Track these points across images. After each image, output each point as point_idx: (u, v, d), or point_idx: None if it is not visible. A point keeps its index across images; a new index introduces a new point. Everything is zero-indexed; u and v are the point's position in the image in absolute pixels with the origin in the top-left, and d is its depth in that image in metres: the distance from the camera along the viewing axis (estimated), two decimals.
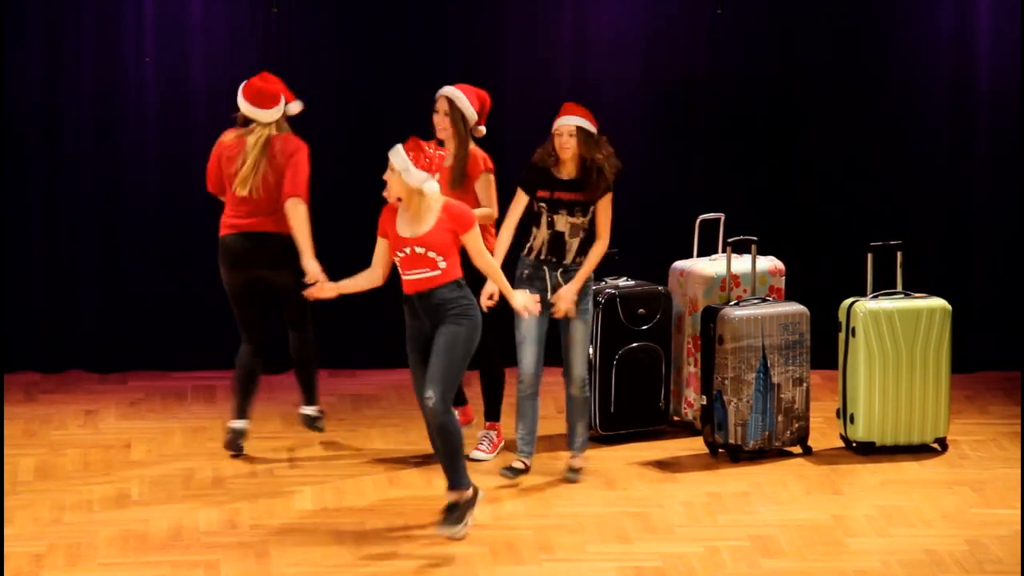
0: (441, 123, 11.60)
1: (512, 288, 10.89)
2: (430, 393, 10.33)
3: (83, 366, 13.91)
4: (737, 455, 11.81)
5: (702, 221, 12.69)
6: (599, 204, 11.36)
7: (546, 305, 11.32)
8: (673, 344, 12.39)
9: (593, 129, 11.36)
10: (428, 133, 12.75)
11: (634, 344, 12.18)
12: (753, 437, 11.82)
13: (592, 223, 11.42)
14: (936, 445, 12.07)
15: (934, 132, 14.05)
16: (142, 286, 13.72)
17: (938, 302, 11.98)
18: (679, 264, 12.55)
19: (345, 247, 12.72)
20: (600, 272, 12.29)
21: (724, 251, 12.28)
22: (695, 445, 12.03)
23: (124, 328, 13.74)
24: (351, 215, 13.71)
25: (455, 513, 10.40)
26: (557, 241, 11.32)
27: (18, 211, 13.99)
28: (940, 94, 14.10)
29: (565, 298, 11.29)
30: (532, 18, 13.86)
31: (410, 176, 10.26)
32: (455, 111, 11.62)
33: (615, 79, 13.95)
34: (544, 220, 11.32)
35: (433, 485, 11.49)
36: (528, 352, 11.43)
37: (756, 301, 11.90)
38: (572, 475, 11.55)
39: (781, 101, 14.01)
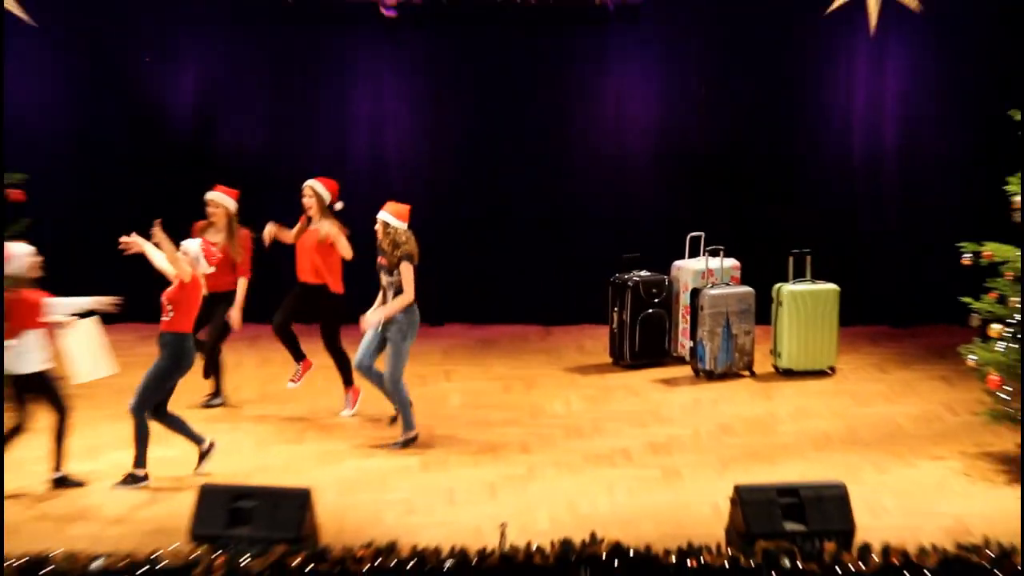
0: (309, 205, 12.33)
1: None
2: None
3: None
4: (711, 376, 13.54)
5: (691, 236, 14.20)
6: (400, 268, 11.46)
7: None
8: (673, 310, 13.98)
9: (396, 223, 11.44)
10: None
11: (650, 310, 13.89)
12: (720, 365, 13.60)
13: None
14: (829, 370, 13.74)
15: (832, 182, 15.37)
16: None
17: (832, 286, 13.72)
18: (677, 263, 14.16)
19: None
20: (628, 266, 13.98)
21: (705, 255, 13.89)
22: (686, 371, 13.75)
23: None
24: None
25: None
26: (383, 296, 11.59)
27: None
28: (838, 159, 15.18)
29: (369, 320, 11.61)
30: (586, 102, 15.17)
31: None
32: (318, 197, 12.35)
33: (641, 143, 15.14)
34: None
35: (508, 391, 13.27)
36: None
37: (723, 285, 13.69)
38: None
39: (737, 160, 15.20)
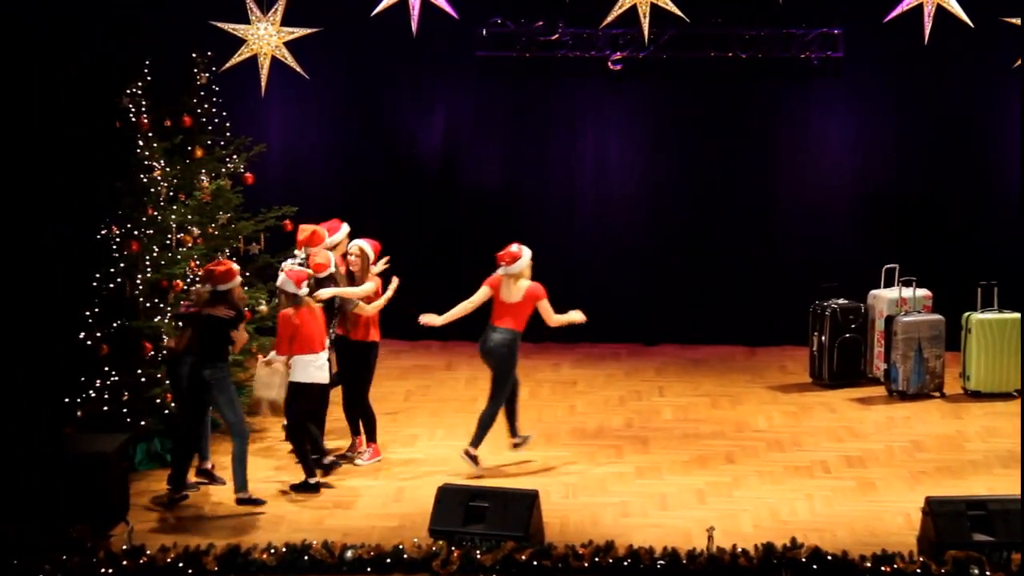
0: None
1: None
2: None
3: None
4: (904, 396, 13.39)
5: (886, 268, 14.09)
6: None
7: None
8: (868, 335, 13.84)
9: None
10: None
11: (847, 335, 13.80)
12: (912, 386, 13.45)
13: None
14: (1015, 393, 13.44)
15: (1016, 218, 14.71)
16: None
17: (1017, 315, 13.52)
18: (873, 292, 14.04)
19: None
20: (827, 294, 13.85)
21: (899, 285, 13.81)
22: (880, 391, 13.59)
23: None
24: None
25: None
26: None
27: None
28: (1021, 198, 14.53)
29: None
30: (791, 144, 14.94)
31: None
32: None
33: (840, 182, 14.94)
34: None
35: (719, 408, 13.30)
36: None
37: (916, 312, 13.58)
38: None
39: (929, 198, 14.82)
